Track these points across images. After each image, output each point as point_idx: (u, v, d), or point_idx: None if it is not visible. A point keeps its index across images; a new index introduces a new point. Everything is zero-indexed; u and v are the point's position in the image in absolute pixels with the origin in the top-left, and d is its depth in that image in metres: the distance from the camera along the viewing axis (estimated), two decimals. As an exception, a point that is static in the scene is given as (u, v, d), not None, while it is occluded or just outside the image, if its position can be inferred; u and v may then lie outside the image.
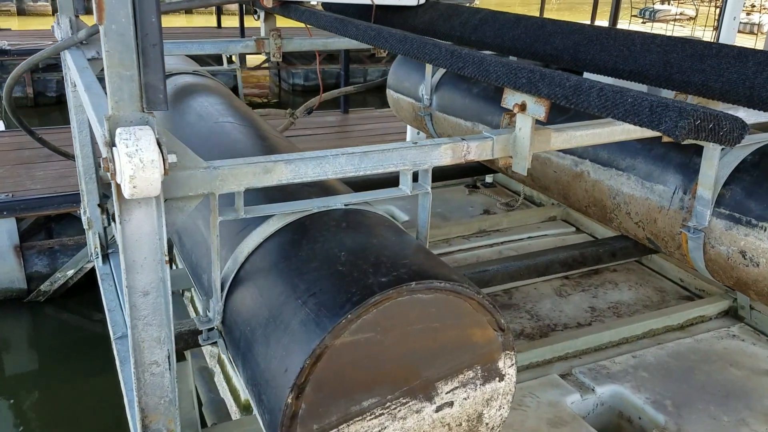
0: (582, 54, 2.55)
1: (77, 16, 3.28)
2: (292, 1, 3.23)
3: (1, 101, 3.97)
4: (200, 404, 3.05)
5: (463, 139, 1.97)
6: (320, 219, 1.78)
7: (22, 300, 5.27)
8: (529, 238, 4.43)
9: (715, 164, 2.46)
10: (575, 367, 3.05)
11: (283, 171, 1.73)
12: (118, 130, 1.45)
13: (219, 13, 12.58)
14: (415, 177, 1.98)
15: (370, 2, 3.43)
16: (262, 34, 3.70)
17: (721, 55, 2.21)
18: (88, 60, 3.33)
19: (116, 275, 3.53)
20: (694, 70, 2.19)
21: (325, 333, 1.37)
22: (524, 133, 1.98)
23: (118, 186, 1.49)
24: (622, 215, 2.93)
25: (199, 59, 4.49)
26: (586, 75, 2.71)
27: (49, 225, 5.45)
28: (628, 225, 2.93)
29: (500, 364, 1.64)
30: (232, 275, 1.76)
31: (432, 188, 1.96)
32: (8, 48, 9.51)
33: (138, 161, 1.41)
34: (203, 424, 2.83)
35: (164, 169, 1.47)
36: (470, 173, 5.04)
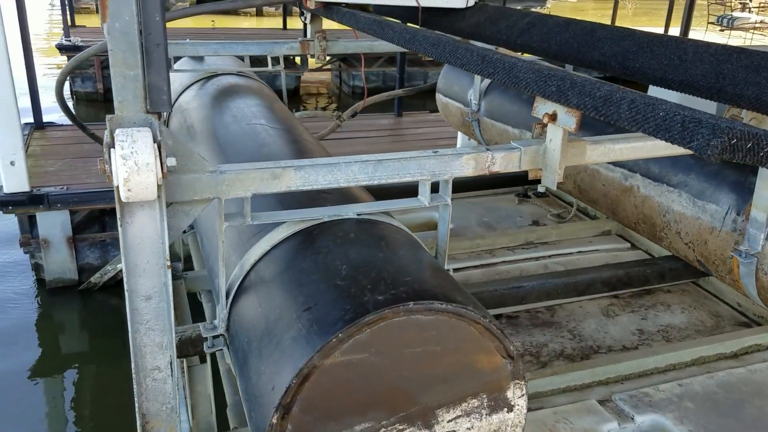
0: (630, 62, 2.40)
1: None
2: (334, 3, 3.18)
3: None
4: (226, 406, 3.03)
5: (487, 149, 1.86)
6: (330, 229, 1.71)
7: (74, 289, 5.44)
8: (578, 252, 4.24)
9: (772, 183, 2.28)
10: (615, 393, 2.88)
11: (293, 177, 1.67)
12: (117, 131, 1.41)
13: (285, 14, 12.75)
14: (436, 187, 1.89)
15: (416, 4, 3.35)
16: (308, 35, 3.66)
17: (779, 67, 2.04)
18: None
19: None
20: (749, 82, 2.01)
21: (313, 352, 1.29)
22: (555, 145, 1.86)
23: (117, 188, 1.46)
24: (672, 234, 2.75)
25: (256, 60, 4.49)
26: (652, 90, 2.56)
27: (103, 218, 5.58)
28: (678, 245, 2.75)
29: (509, 394, 1.53)
30: (238, 282, 1.71)
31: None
32: (81, 44, 9.84)
33: (133, 164, 1.37)
34: (226, 426, 2.80)
35: (162, 172, 1.42)
36: (521, 182, 4.89)
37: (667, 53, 2.32)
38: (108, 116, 1.46)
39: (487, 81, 4.11)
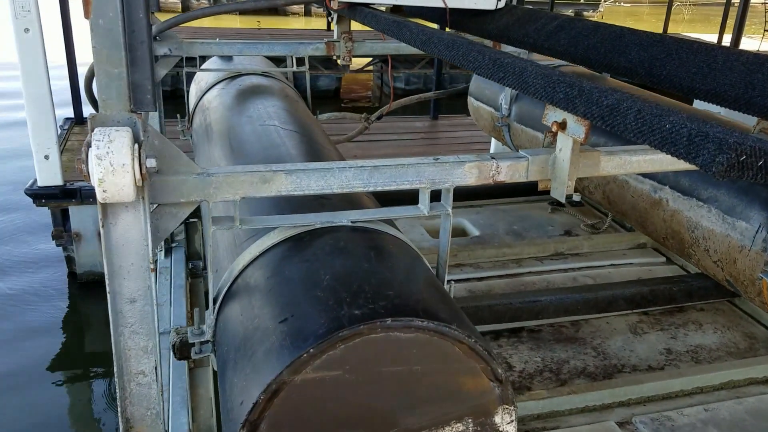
0: (657, 69, 2.28)
1: (152, 13, 3.31)
2: (358, 3, 3.12)
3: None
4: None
5: (492, 158, 1.78)
6: (321, 236, 1.65)
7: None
8: (611, 265, 4.09)
9: (807, 202, 2.13)
10: (636, 416, 2.75)
11: (283, 182, 1.62)
12: (95, 131, 1.38)
13: (329, 15, 12.72)
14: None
15: (443, 5, 3.27)
16: (335, 36, 3.61)
17: (815, 77, 1.90)
18: (159, 57, 3.38)
19: (174, 269, 3.56)
20: (781, 93, 1.88)
21: (283, 367, 1.23)
22: (564, 155, 1.77)
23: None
24: (701, 252, 2.61)
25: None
26: (697, 103, 2.44)
27: (135, 213, 5.57)
28: (706, 263, 2.61)
29: (497, 419, 1.44)
30: (226, 288, 1.66)
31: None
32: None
33: (108, 164, 1.34)
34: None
35: (140, 174, 1.38)
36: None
37: (696, 61, 2.19)
38: (90, 114, 1.43)
39: (518, 86, 3.99)
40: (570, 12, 26.16)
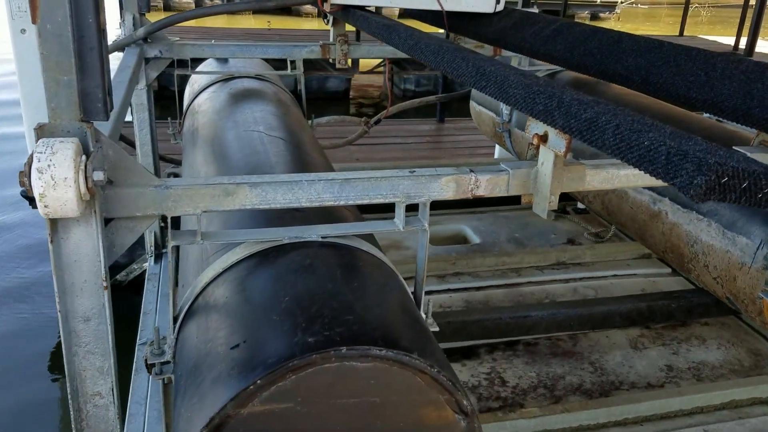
0: (654, 77, 2.18)
1: (142, 14, 3.25)
2: (352, 6, 3.04)
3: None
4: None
5: (471, 171, 1.69)
6: (288, 252, 1.57)
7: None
8: (614, 276, 3.98)
9: (809, 219, 2.02)
10: None
11: (248, 195, 1.54)
12: (38, 142, 1.30)
13: (324, 17, 12.62)
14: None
15: (439, 8, 3.18)
16: (331, 39, 3.53)
17: (817, 88, 1.79)
18: (150, 59, 3.31)
19: (163, 276, 3.49)
20: (780, 104, 1.78)
21: (227, 399, 1.15)
22: (546, 169, 1.67)
23: (44, 202, 1.36)
24: (700, 267, 2.50)
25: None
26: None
27: (135, 217, 5.52)
28: (706, 279, 2.50)
29: (462, 453, 1.34)
30: (188, 305, 1.58)
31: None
32: (139, 42, 9.98)
33: (49, 178, 1.26)
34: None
35: (86, 188, 1.31)
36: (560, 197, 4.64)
37: (694, 69, 2.09)
38: (37, 124, 1.36)
39: (520, 91, 3.89)
40: (586, 14, 25.93)
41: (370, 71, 10.51)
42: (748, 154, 1.86)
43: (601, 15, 26.33)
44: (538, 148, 1.71)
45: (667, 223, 2.63)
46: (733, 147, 1.90)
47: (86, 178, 1.31)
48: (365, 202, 1.62)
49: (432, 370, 1.25)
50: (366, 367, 1.21)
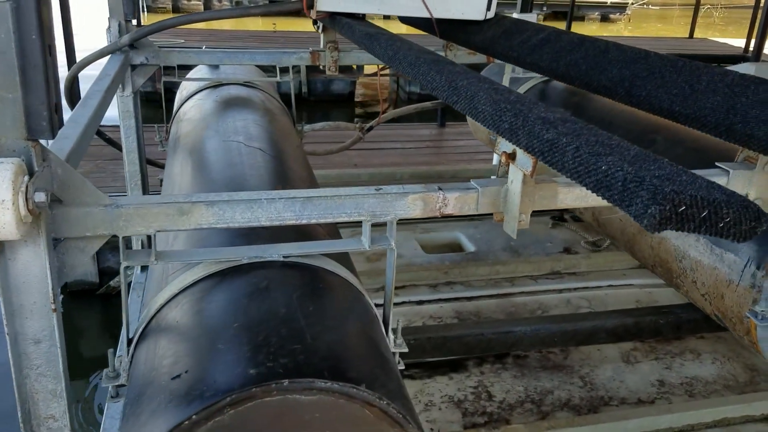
0: (637, 89, 2.12)
1: (128, 21, 3.21)
2: (338, 13, 2.98)
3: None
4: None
5: (439, 189, 1.63)
6: (246, 273, 1.52)
7: (94, 293, 5.45)
8: (609, 286, 3.91)
9: (796, 238, 1.94)
10: None
11: (204, 214, 1.49)
12: (-23, 163, 1.26)
13: (314, 23, 12.55)
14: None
15: (429, 15, 3.12)
16: (321, 45, 3.49)
17: (801, 104, 1.72)
18: (137, 66, 3.28)
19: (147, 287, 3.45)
20: (761, 120, 1.71)
21: None
22: (516, 188, 1.62)
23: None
24: (689, 283, 2.43)
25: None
26: None
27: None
28: (694, 295, 2.43)
29: (416, 489, 1.29)
30: (142, 327, 1.53)
31: None
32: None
33: (-15, 201, 1.22)
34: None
35: (27, 209, 1.27)
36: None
37: (679, 81, 2.03)
38: (-19, 144, 1.32)
39: (514, 98, 3.83)
40: (596, 15, 25.74)
41: (375, 74, 10.45)
42: (731, 171, 1.80)
43: (612, 16, 26.11)
44: (508, 166, 1.66)
45: (656, 237, 2.56)
46: (716, 163, 1.83)
47: (27, 199, 1.27)
48: (329, 220, 1.57)
49: (381, 402, 1.20)
50: (311, 400, 1.16)
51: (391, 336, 1.75)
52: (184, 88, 3.63)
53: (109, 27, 3.21)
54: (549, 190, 1.66)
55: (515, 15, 5.91)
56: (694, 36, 15.08)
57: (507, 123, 1.49)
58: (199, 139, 2.59)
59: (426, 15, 3.13)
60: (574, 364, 3.17)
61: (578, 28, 23.10)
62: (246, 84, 3.38)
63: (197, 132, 2.72)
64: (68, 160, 1.76)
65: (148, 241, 1.54)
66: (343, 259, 1.84)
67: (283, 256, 1.59)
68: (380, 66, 7.62)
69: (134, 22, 3.29)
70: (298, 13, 3.03)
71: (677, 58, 2.17)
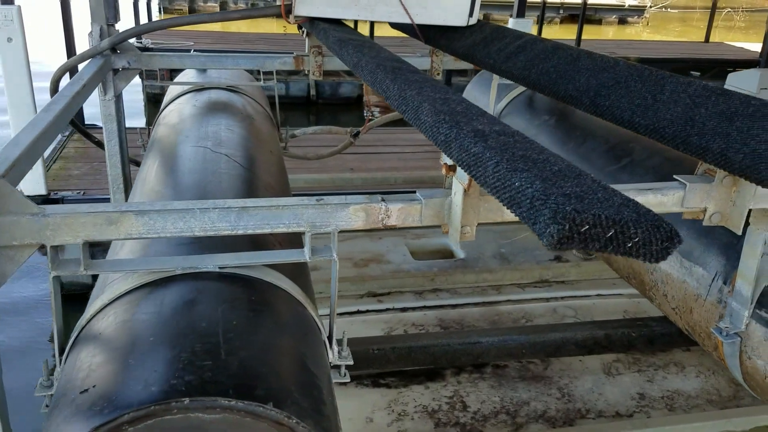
0: (602, 98, 2.07)
1: (111, 25, 3.22)
2: (317, 18, 2.97)
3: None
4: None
5: (382, 200, 1.60)
6: (177, 283, 1.50)
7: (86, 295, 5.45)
8: (597, 296, 3.86)
9: (759, 251, 1.88)
10: None
11: (133, 224, 1.47)
12: None
13: (300, 28, 12.52)
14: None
15: (410, 21, 3.09)
16: (306, 50, 3.47)
17: (757, 116, 1.67)
18: (119, 70, 3.28)
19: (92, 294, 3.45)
20: (717, 133, 1.66)
21: None
22: (458, 200, 1.58)
23: None
24: (660, 296, 2.38)
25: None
26: None
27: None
28: (666, 309, 2.38)
29: (329, 508, 1.26)
30: (74, 336, 1.52)
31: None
32: (151, 46, 10.04)
33: None
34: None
35: (-57, 218, 1.26)
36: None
37: (643, 91, 1.99)
38: None
39: (503, 103, 3.79)
40: (614, 18, 25.47)
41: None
42: (688, 185, 1.75)
43: (629, 19, 25.82)
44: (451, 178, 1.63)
45: (630, 249, 2.50)
46: (675, 176, 1.78)
47: (-58, 208, 1.26)
48: (266, 231, 1.55)
49: (289, 421, 1.17)
50: (215, 418, 1.14)
51: (335, 348, 1.72)
52: (170, 92, 3.63)
53: (91, 31, 3.22)
54: (495, 202, 1.62)
55: (510, 20, 5.90)
56: (710, 40, 14.89)
57: (443, 135, 1.46)
58: (169, 144, 2.58)
59: (407, 21, 3.10)
60: (554, 375, 3.12)
61: (594, 31, 22.85)
62: (229, 88, 3.36)
63: (170, 136, 2.72)
64: (13, 166, 1.77)
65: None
66: (295, 270, 1.81)
67: (219, 267, 1.57)
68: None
69: (117, 26, 3.29)
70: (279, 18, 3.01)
71: (645, 66, 2.12)
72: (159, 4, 23.39)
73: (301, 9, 2.94)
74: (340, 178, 5.46)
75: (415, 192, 1.65)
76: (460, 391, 2.98)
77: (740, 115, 1.68)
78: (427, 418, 2.80)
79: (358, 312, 3.55)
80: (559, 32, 21.69)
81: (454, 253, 4.37)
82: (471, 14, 3.17)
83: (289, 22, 3.00)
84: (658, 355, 3.28)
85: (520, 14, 5.41)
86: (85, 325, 1.51)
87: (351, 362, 1.75)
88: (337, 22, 3.03)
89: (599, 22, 25.18)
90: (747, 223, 1.88)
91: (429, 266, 4.04)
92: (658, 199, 1.72)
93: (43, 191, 5.06)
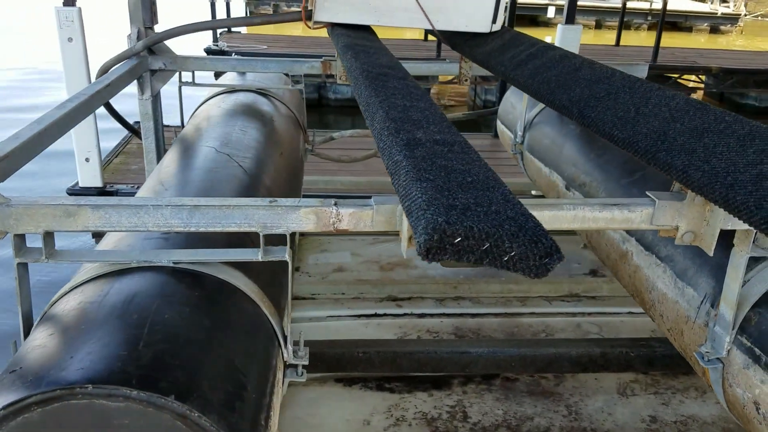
0: (589, 110, 2.03)
1: (148, 27, 3.37)
2: (337, 24, 3.01)
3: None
4: None
5: (334, 204, 1.62)
6: (130, 275, 1.57)
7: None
8: (628, 314, 3.73)
9: (741, 274, 1.79)
10: None
11: (90, 217, 1.55)
12: None
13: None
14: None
15: (431, 27, 3.10)
16: (336, 54, 3.52)
17: (726, 133, 1.60)
18: (156, 71, 3.43)
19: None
20: (684, 149, 1.60)
21: None
22: (406, 207, 1.58)
23: None
24: (657, 316, 2.29)
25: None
26: None
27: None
28: (663, 330, 2.29)
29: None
30: (37, 321, 1.61)
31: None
32: (226, 49, 10.37)
33: None
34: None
35: None
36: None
37: (628, 103, 1.93)
38: None
39: (534, 111, 3.73)
40: (705, 26, 24.48)
41: (451, 81, 10.39)
42: (657, 201, 1.68)
43: (722, 28, 24.74)
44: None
45: (632, 265, 2.43)
46: (647, 192, 1.73)
47: None
48: (218, 230, 1.60)
49: (192, 414, 1.21)
50: (119, 406, 1.19)
51: (290, 348, 1.76)
52: (208, 93, 3.76)
53: (130, 33, 3.38)
54: (447, 210, 1.62)
55: (559, 27, 5.77)
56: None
57: (383, 142, 1.48)
58: (184, 142, 2.69)
59: (428, 27, 3.11)
60: (565, 392, 3.05)
61: (684, 39, 22.00)
62: (258, 90, 3.46)
63: (187, 135, 2.83)
64: (8, 156, 1.89)
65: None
66: (265, 270, 1.85)
67: (174, 262, 1.63)
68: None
69: (156, 28, 3.44)
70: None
71: (638, 78, 2.06)
72: (245, 8, 24.16)
73: (321, 15, 3.00)
74: (377, 182, 5.50)
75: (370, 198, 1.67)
76: (464, 401, 2.95)
77: (710, 131, 1.61)
78: (424, 426, 2.79)
79: (376, 315, 3.57)
80: (646, 39, 20.98)
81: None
82: (494, 20, 3.15)
83: (310, 28, 3.06)
84: (680, 378, 3.15)
85: (570, 20, 5.29)
86: (47, 310, 1.60)
87: (306, 362, 1.78)
88: (358, 28, 3.07)
89: (689, 29, 24.27)
90: (732, 245, 1.80)
91: (455, 273, 4.02)
92: (624, 215, 1.68)
93: (99, 184, 5.33)
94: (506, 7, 3.14)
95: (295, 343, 1.79)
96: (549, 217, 1.65)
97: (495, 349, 2.54)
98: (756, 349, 1.75)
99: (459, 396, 2.98)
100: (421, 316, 3.61)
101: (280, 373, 1.68)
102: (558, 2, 25.02)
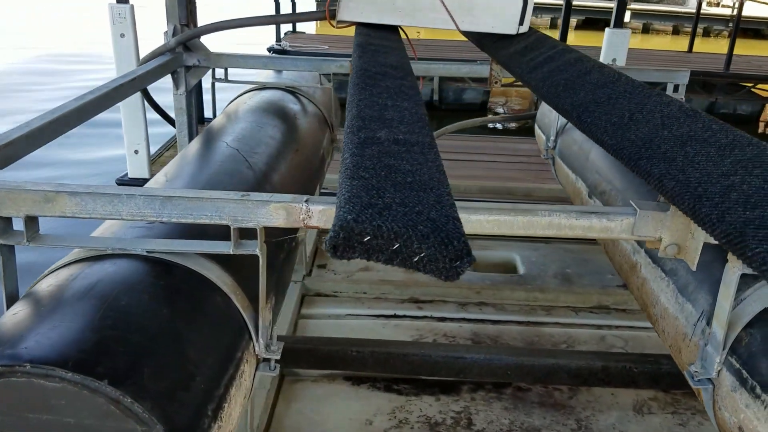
0: (587, 115, 1.97)
1: (184, 25, 3.46)
2: (363, 24, 3.02)
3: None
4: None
5: (306, 201, 1.63)
6: (102, 262, 1.62)
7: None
8: None
9: (732, 292, 1.69)
10: None
11: (67, 204, 1.61)
12: None
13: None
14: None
15: (455, 28, 3.07)
16: (364, 54, 3.53)
17: (709, 142, 1.53)
18: (190, 67, 3.52)
19: None
20: (665, 158, 1.54)
21: None
22: (373, 207, 1.57)
23: None
24: (660, 332, 2.20)
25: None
26: None
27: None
28: (666, 346, 2.20)
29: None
30: (20, 299, 1.68)
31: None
32: (289, 49, 10.54)
33: None
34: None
35: None
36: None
37: (623, 109, 1.87)
38: None
39: (567, 117, 3.64)
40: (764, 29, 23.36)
41: (512, 84, 10.25)
42: (638, 212, 1.62)
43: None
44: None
45: (640, 278, 2.34)
46: (630, 201, 1.66)
47: None
48: (189, 221, 1.63)
49: (124, 399, 1.24)
50: (55, 387, 1.23)
51: (261, 342, 1.77)
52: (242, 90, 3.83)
53: (167, 30, 3.48)
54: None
55: (607, 30, 5.60)
56: None
57: (346, 139, 1.47)
58: (204, 137, 2.75)
59: (452, 28, 3.08)
60: (577, 405, 2.96)
61: (764, 47, 21.04)
62: (287, 88, 3.50)
63: (209, 130, 2.89)
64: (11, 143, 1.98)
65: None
66: (237, 263, 1.85)
67: (147, 251, 1.67)
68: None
69: (191, 26, 3.53)
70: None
71: (640, 83, 1.99)
72: (316, 5, 24.56)
73: (344, 14, 3.01)
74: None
75: None
76: (471, 408, 2.91)
77: (695, 140, 1.54)
78: (426, 430, 2.76)
79: (395, 316, 3.56)
80: (725, 46, 20.24)
81: (518, 268, 4.25)
82: (521, 22, 3.09)
83: (334, 27, 3.08)
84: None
85: (618, 24, 5.11)
86: (28, 291, 1.66)
87: (277, 357, 1.79)
88: (382, 27, 3.07)
89: (767, 37, 23.21)
90: (726, 260, 1.71)
91: (481, 278, 3.97)
92: (603, 224, 1.62)
93: (147, 175, 5.52)
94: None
95: (277, 338, 1.81)
96: (523, 223, 1.61)
97: (491, 357, 2.49)
98: (744, 372, 1.66)
99: (467, 402, 2.94)
100: (441, 319, 3.57)
101: (246, 366, 1.69)
102: (633, 6, 24.38)
